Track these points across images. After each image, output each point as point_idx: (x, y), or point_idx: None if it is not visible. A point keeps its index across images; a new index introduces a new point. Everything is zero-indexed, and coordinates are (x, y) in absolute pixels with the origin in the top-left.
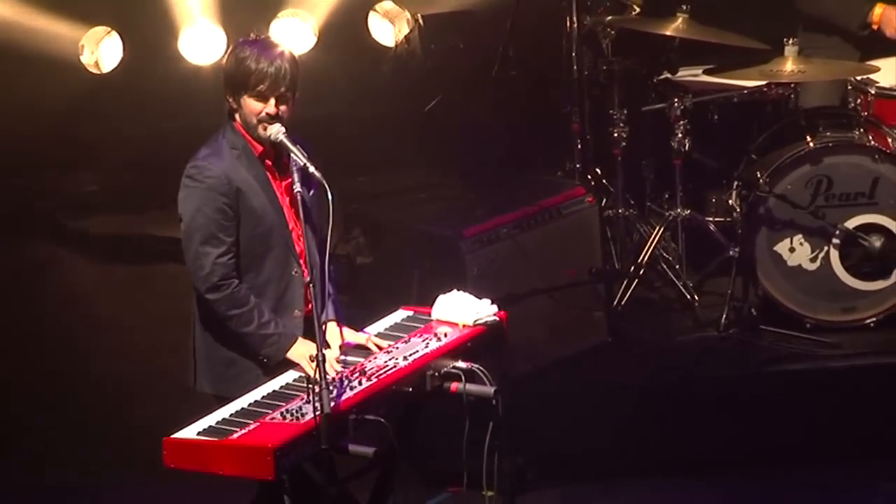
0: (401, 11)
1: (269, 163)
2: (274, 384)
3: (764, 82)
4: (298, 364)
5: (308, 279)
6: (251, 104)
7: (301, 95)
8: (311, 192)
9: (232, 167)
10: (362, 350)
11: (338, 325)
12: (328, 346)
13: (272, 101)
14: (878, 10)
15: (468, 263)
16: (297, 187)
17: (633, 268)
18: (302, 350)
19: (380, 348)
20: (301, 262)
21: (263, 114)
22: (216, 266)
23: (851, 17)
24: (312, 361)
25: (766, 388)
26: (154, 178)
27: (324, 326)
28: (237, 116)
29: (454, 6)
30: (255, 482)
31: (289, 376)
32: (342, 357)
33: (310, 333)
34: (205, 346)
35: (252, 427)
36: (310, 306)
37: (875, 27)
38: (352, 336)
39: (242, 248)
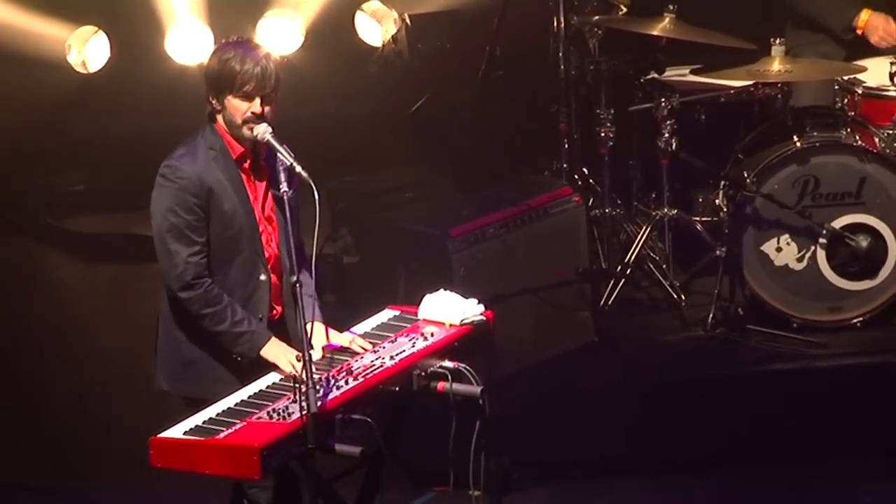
0: (388, 11)
1: (247, 166)
2: (260, 384)
3: (751, 82)
4: (273, 366)
5: (294, 280)
6: (236, 104)
7: (288, 95)
8: (293, 192)
9: (206, 168)
10: (347, 351)
11: (322, 325)
12: (311, 348)
13: (258, 100)
14: (864, 16)
15: (455, 263)
16: (284, 187)
17: (619, 267)
18: (276, 351)
19: (364, 350)
20: (269, 267)
21: (249, 113)
22: (188, 265)
23: (837, 20)
24: (298, 361)
25: (752, 388)
26: (141, 177)
27: (308, 327)
28: (219, 118)
29: (441, 6)
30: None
31: (274, 376)
32: (328, 356)
33: (278, 337)
34: (167, 344)
35: (238, 426)
36: (276, 311)
37: (860, 32)
38: (336, 337)
39: (212, 249)
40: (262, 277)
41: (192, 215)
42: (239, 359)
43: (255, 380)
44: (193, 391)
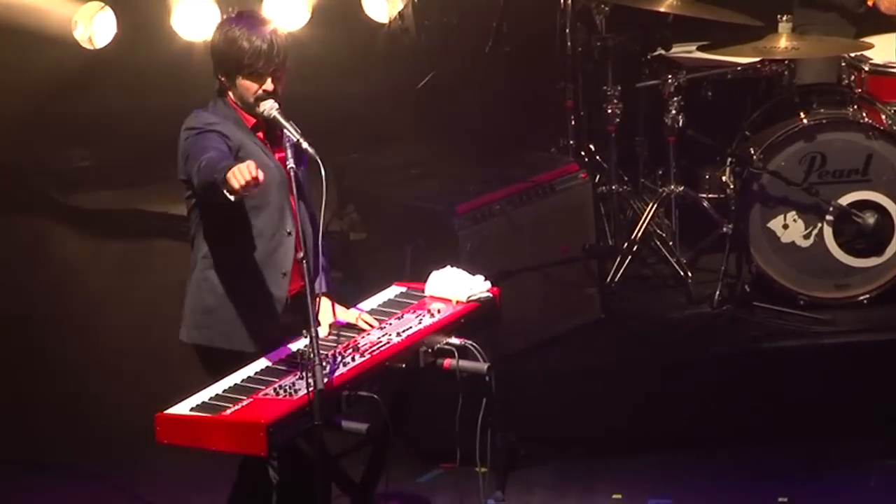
0: None
1: (261, 136)
2: (267, 360)
3: (758, 59)
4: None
5: (301, 254)
6: (247, 83)
7: (295, 72)
8: (302, 169)
9: (227, 129)
10: (354, 328)
11: (330, 300)
12: (319, 324)
13: (269, 79)
14: None
15: (461, 239)
16: (291, 163)
17: (626, 244)
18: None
19: (370, 326)
20: (296, 227)
21: (261, 91)
22: (207, 150)
23: None
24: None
25: (759, 365)
26: (147, 153)
27: (317, 300)
28: (230, 94)
29: None
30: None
31: (282, 352)
32: (334, 333)
33: (299, 311)
34: (190, 296)
35: (245, 403)
36: (302, 283)
37: (870, 4)
38: (343, 314)
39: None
40: (289, 231)
41: (221, 145)
42: (219, 183)
43: (268, 334)
44: (207, 339)
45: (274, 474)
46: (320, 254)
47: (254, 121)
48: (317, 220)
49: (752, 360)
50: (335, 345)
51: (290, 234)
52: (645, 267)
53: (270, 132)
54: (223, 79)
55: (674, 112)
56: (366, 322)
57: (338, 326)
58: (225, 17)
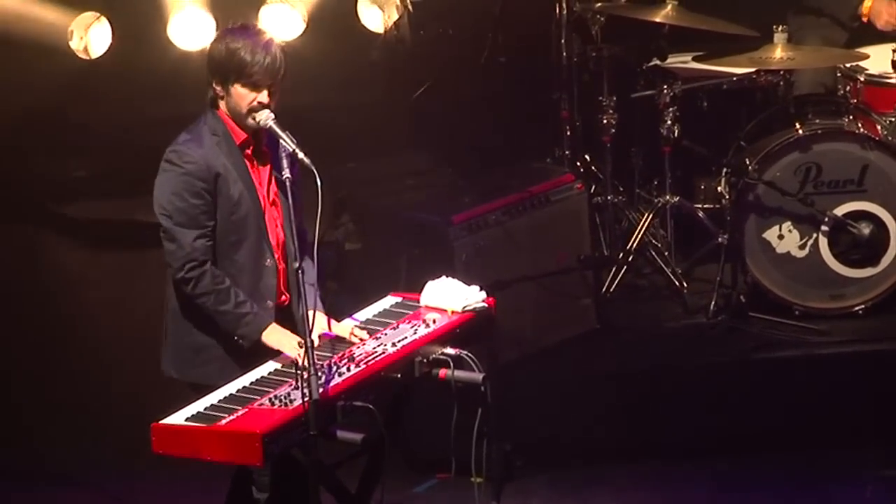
0: None
1: (249, 151)
2: (262, 370)
3: (753, 69)
4: (275, 352)
5: (297, 266)
6: (242, 93)
7: (290, 82)
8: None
9: (211, 153)
10: (345, 340)
11: (325, 315)
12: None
13: (265, 91)
14: (868, 2)
15: (457, 250)
16: (287, 173)
17: (621, 255)
18: (278, 336)
19: (361, 340)
20: (275, 251)
21: (255, 103)
22: (194, 248)
23: (842, 9)
24: (300, 347)
25: (754, 375)
26: (143, 163)
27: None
28: (222, 104)
29: None
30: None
31: (275, 364)
32: (329, 343)
33: (284, 324)
34: (175, 331)
35: (240, 413)
36: (283, 297)
37: (864, 20)
38: (336, 328)
39: (218, 233)
40: (269, 262)
41: (200, 199)
42: (240, 341)
43: (262, 362)
44: (203, 378)
45: (257, 492)
46: (313, 267)
47: (243, 136)
48: (306, 234)
49: (747, 370)
50: (330, 355)
51: (269, 263)
52: (640, 277)
53: (258, 147)
54: (217, 87)
55: (669, 122)
56: (357, 337)
57: (326, 339)
58: (225, 27)
